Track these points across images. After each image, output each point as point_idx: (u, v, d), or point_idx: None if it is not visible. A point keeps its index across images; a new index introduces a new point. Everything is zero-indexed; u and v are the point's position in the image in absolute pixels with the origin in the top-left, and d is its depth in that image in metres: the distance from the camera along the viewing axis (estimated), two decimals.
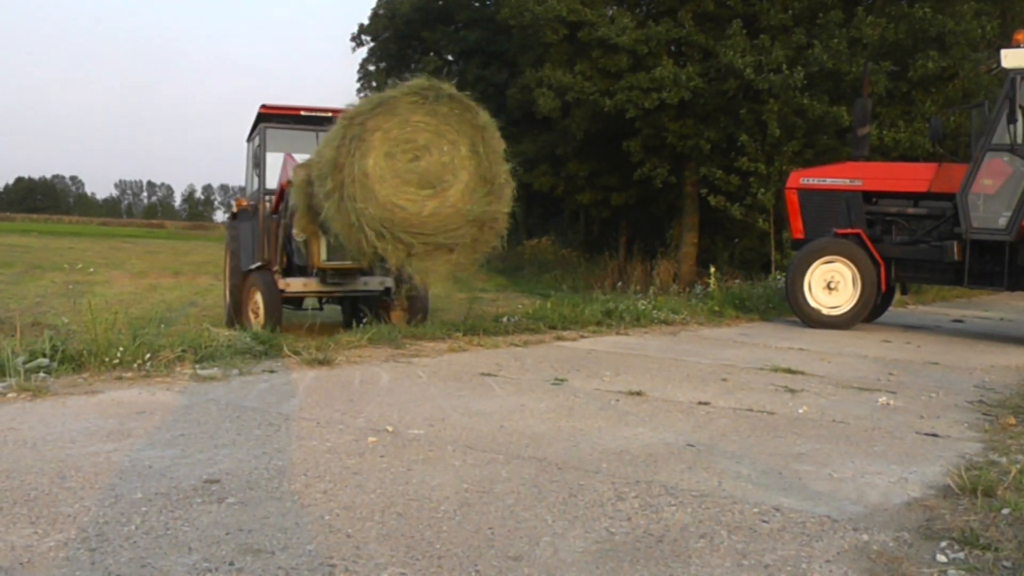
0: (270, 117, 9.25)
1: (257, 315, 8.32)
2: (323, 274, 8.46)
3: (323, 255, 8.33)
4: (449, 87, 6.87)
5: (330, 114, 9.59)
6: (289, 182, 8.23)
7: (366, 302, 8.98)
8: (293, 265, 8.77)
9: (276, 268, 8.62)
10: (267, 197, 9.18)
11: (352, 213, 6.46)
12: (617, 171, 20.82)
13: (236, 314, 9.07)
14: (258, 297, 8.36)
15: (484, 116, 6.93)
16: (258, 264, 8.79)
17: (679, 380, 5.02)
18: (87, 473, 2.70)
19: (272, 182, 9.31)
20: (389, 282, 8.69)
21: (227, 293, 10.26)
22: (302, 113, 9.28)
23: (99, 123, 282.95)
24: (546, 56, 20.18)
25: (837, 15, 16.27)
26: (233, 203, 11.26)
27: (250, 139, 10.14)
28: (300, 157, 9.07)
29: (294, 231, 8.27)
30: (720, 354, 6.35)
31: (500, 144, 6.98)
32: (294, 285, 8.45)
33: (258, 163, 9.37)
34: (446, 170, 6.75)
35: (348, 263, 8.31)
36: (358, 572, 2.00)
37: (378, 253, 6.61)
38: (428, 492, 2.63)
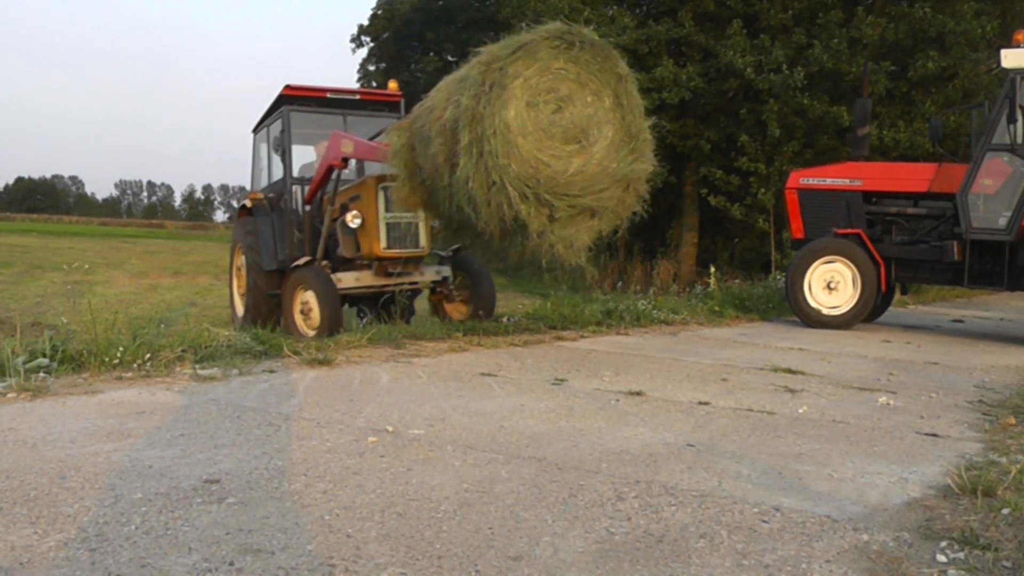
0: (294, 99, 8.61)
1: (309, 316, 7.58)
2: (383, 265, 7.75)
3: (383, 242, 7.67)
4: (590, 32, 6.16)
5: (357, 96, 9.09)
6: (345, 159, 7.72)
7: (373, 302, 8.29)
8: (335, 258, 8.05)
9: (326, 263, 7.88)
10: (293, 186, 8.60)
11: (494, 171, 5.65)
12: None
13: (254, 313, 8.48)
14: (309, 296, 7.56)
15: (624, 66, 6.29)
16: (306, 259, 7.89)
17: (679, 380, 5.02)
18: (87, 473, 2.70)
19: (300, 169, 8.78)
20: (446, 271, 8.17)
21: (234, 294, 9.70)
22: (328, 95, 8.77)
23: (99, 123, 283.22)
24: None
25: (837, 15, 16.28)
26: (239, 199, 10.94)
27: (259, 129, 9.53)
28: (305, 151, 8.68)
29: (348, 216, 7.65)
30: (720, 354, 6.35)
31: (639, 98, 6.36)
32: (345, 281, 7.70)
33: (279, 148, 8.60)
34: (591, 123, 6.03)
35: (412, 250, 7.78)
36: (358, 572, 2.00)
37: (519, 218, 5.79)
38: (428, 492, 2.63)
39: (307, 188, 8.45)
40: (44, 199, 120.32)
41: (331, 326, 7.19)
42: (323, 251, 7.98)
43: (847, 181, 9.05)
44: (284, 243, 8.54)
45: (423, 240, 7.88)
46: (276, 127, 8.77)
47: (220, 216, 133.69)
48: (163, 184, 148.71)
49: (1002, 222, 8.05)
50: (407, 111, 9.07)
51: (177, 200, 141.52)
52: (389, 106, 9.15)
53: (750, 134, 17.33)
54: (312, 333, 7.34)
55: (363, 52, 31.86)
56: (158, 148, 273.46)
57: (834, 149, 16.48)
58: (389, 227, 7.68)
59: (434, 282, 8.22)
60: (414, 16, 28.78)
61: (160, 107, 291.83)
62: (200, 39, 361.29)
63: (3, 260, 19.72)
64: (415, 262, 7.92)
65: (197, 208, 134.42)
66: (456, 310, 8.27)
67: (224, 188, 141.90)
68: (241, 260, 9.34)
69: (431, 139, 6.06)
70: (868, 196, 9.01)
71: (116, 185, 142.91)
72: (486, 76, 5.76)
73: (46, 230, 43.18)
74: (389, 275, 7.81)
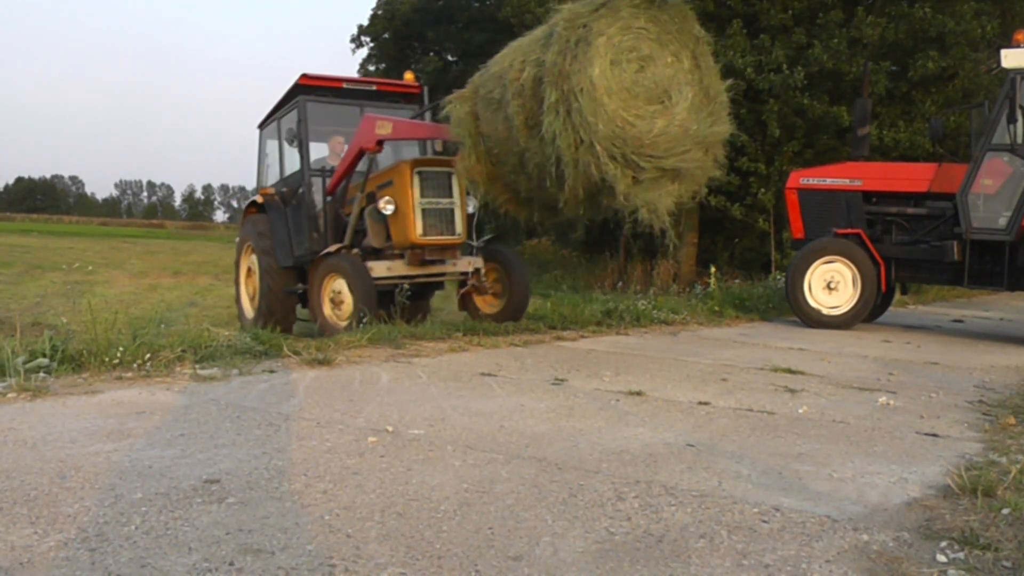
0: (310, 89, 8.35)
1: (340, 306, 7.30)
2: (416, 253, 7.40)
3: (419, 229, 7.33)
4: None
5: (374, 87, 8.87)
6: (380, 142, 7.49)
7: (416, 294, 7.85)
8: (363, 248, 7.74)
9: (356, 250, 7.62)
10: (311, 177, 8.29)
11: (582, 129, 5.50)
12: None
13: (266, 317, 8.13)
14: (340, 285, 7.30)
15: (700, 28, 6.20)
16: (337, 246, 7.63)
17: (679, 380, 5.02)
18: (87, 473, 2.70)
19: (316, 159, 8.47)
20: (478, 262, 7.81)
21: (242, 295, 9.32)
22: (344, 86, 8.57)
23: (99, 123, 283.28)
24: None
25: (837, 15, 16.27)
26: (239, 199, 10.75)
27: (267, 123, 9.20)
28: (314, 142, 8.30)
29: (381, 202, 7.34)
30: (720, 354, 6.35)
31: (713, 61, 6.25)
32: (377, 270, 7.32)
33: (294, 140, 8.25)
34: (672, 84, 5.91)
35: (449, 237, 7.45)
36: (358, 572, 2.00)
37: (606, 180, 5.61)
38: (428, 492, 2.63)
39: (328, 179, 8.20)
40: (44, 199, 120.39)
41: (367, 313, 6.92)
42: (351, 240, 7.72)
43: (847, 181, 9.06)
44: (302, 238, 8.25)
45: (459, 226, 7.58)
46: (290, 119, 8.50)
47: (220, 216, 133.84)
48: (163, 184, 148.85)
49: (1002, 222, 8.05)
50: (428, 101, 8.89)
51: (177, 200, 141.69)
52: (406, 97, 8.98)
53: (750, 134, 17.32)
54: (343, 324, 7.14)
55: (363, 52, 31.87)
56: (158, 148, 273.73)
57: (834, 149, 16.47)
58: (425, 213, 7.35)
59: (463, 274, 7.87)
60: (414, 16, 28.77)
61: (160, 107, 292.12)
62: (200, 39, 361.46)
63: (3, 260, 19.72)
64: (451, 250, 7.61)
65: (197, 208, 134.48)
66: (487, 304, 8.00)
67: (224, 188, 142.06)
68: (251, 259, 9.04)
69: (506, 102, 5.92)
70: (868, 196, 9.01)
71: (116, 185, 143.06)
72: (571, 33, 5.62)
73: (46, 230, 43.21)
74: (424, 264, 7.47)
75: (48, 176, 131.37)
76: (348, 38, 37.67)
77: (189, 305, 12.60)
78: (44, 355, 4.43)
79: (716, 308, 9.60)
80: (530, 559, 2.12)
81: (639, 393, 4.48)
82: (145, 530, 2.22)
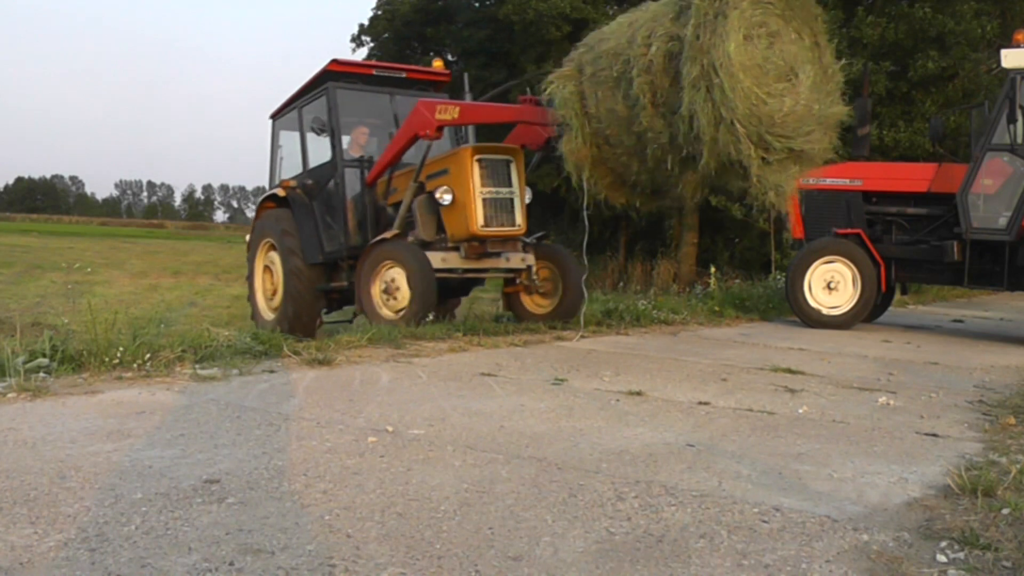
0: (339, 76, 7.95)
1: (394, 295, 6.92)
2: (474, 246, 7.04)
3: (480, 219, 6.92)
4: None
5: (403, 73, 8.42)
6: (440, 128, 7.13)
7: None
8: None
9: (412, 238, 7.20)
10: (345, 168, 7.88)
11: (723, 107, 5.28)
12: None
13: (292, 322, 7.73)
14: (396, 274, 6.90)
15: (818, 6, 6.05)
16: (394, 233, 7.21)
17: (679, 380, 5.02)
18: (87, 473, 2.70)
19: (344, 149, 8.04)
20: (531, 259, 7.43)
21: (257, 297, 8.79)
22: (374, 72, 8.21)
23: (99, 123, 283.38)
24: (548, 54, 20.19)
25: (837, 15, 16.27)
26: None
27: (284, 113, 8.75)
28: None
29: (438, 192, 6.99)
30: (720, 354, 6.35)
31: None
32: (432, 261, 6.95)
33: (323, 130, 7.78)
34: (796, 61, 5.72)
35: (510, 229, 7.09)
36: (358, 572, 2.00)
37: (742, 161, 5.42)
38: (428, 492, 2.63)
39: (366, 170, 7.77)
40: (44, 199, 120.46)
41: (424, 306, 6.66)
42: (401, 229, 7.31)
43: (847, 181, 9.05)
44: (334, 232, 7.86)
45: (519, 217, 7.22)
46: (316, 107, 8.09)
47: (220, 216, 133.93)
48: (163, 184, 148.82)
49: (1002, 222, 8.05)
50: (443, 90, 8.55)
51: (177, 200, 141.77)
52: (434, 85, 8.63)
53: None
54: (395, 316, 6.85)
55: (363, 52, 31.87)
56: (158, 148, 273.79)
57: (834, 149, 16.47)
58: (486, 203, 6.97)
59: (510, 270, 7.43)
60: (414, 16, 28.77)
61: (160, 107, 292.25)
62: (200, 39, 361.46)
63: (3, 260, 19.73)
64: (512, 242, 7.22)
65: (197, 208, 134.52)
66: (536, 304, 7.70)
67: (224, 188, 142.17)
68: (269, 257, 8.55)
69: (628, 79, 5.68)
70: (868, 196, 9.01)
71: (116, 185, 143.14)
72: (708, 5, 5.41)
73: (46, 230, 43.23)
74: (482, 257, 7.12)
75: (48, 176, 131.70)
76: (348, 37, 37.62)
77: (189, 305, 12.60)
78: (44, 355, 4.42)
79: (716, 308, 9.60)
80: (530, 559, 2.12)
81: (639, 393, 4.48)
82: (145, 530, 2.22)
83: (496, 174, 7.12)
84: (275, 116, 9.02)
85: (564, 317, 7.50)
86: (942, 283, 10.01)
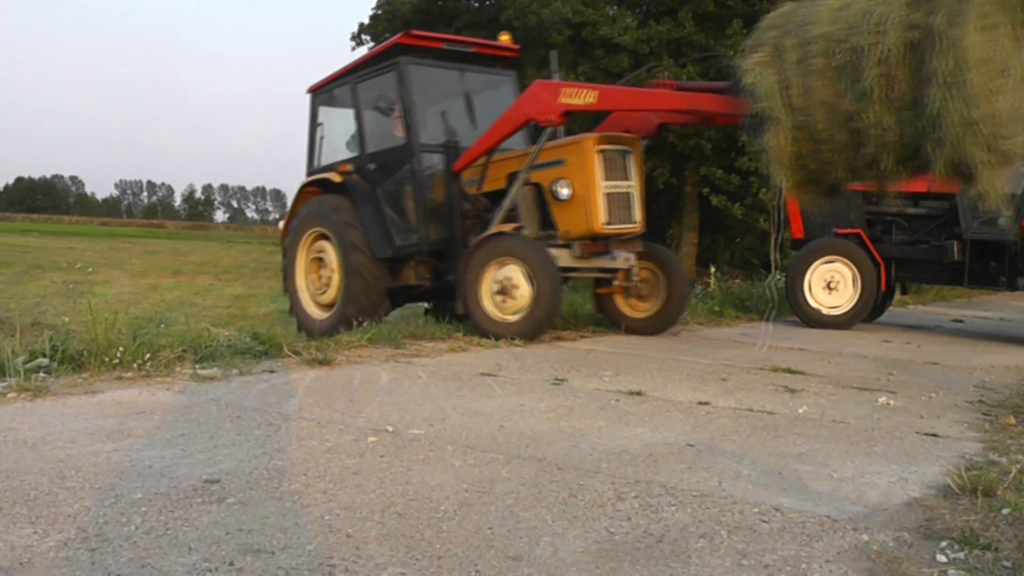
0: (411, 50, 7.16)
1: (511, 295, 6.31)
2: (589, 244, 6.56)
3: (603, 216, 6.41)
4: None
5: (472, 48, 7.65)
6: (564, 114, 6.47)
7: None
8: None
9: (538, 234, 6.60)
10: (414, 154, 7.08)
11: (970, 106, 4.89)
12: None
13: (360, 313, 6.92)
14: (513, 272, 6.29)
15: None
16: (514, 226, 6.55)
17: (679, 380, 5.02)
18: (87, 473, 2.70)
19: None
20: (632, 260, 6.92)
21: (301, 293, 7.80)
22: (444, 46, 7.38)
23: (99, 123, 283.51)
24: (549, 57, 20.19)
25: None
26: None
27: (330, 88, 7.85)
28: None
29: (558, 185, 6.45)
30: (720, 354, 6.35)
31: None
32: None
33: (391, 109, 6.97)
34: (1008, 58, 5.22)
35: (631, 226, 6.64)
36: (358, 572, 2.00)
37: (971, 164, 5.02)
38: (428, 492, 2.63)
39: (452, 156, 6.97)
40: (44, 199, 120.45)
41: (551, 308, 6.20)
42: (503, 219, 6.65)
43: None
44: (407, 224, 7.15)
45: (638, 213, 6.75)
46: (380, 84, 7.27)
47: (220, 216, 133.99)
48: (163, 184, 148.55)
49: (1002, 222, 8.05)
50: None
51: (177, 200, 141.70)
52: (501, 60, 8.00)
53: None
54: (511, 319, 6.33)
55: (363, 51, 31.87)
56: (158, 148, 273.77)
57: None
58: (608, 198, 6.44)
59: (606, 270, 6.88)
60: (414, 16, 28.76)
61: (160, 107, 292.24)
62: (200, 39, 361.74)
63: (3, 260, 19.73)
64: (632, 241, 6.76)
65: (197, 208, 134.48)
66: (633, 307, 7.22)
67: (224, 188, 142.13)
68: (317, 248, 7.62)
69: (856, 70, 5.25)
70: (868, 196, 9.01)
71: (116, 185, 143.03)
72: None
73: (46, 230, 43.25)
74: (599, 256, 6.62)
75: (48, 176, 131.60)
76: (348, 37, 37.65)
77: (189, 305, 12.60)
78: (44, 355, 4.42)
79: (716, 308, 9.60)
80: (530, 559, 2.12)
81: (639, 393, 4.48)
82: (145, 530, 2.22)
83: (616, 166, 6.63)
84: (314, 91, 8.03)
85: (665, 324, 7.19)
86: (942, 283, 10.00)
